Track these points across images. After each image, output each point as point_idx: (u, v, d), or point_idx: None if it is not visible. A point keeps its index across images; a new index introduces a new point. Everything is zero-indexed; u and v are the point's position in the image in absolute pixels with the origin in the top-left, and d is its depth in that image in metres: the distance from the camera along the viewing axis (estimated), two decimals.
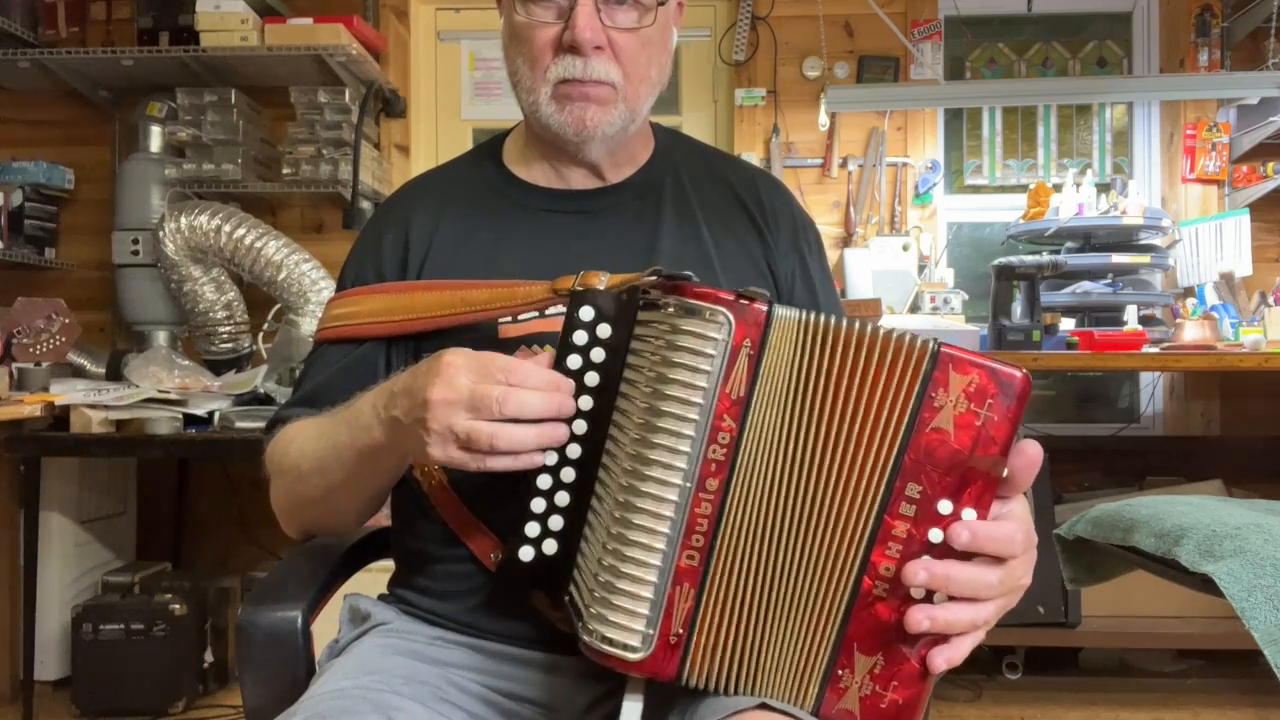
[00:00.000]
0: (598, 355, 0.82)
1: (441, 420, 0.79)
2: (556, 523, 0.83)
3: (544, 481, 0.83)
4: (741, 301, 0.75)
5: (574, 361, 0.82)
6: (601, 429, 0.81)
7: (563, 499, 0.83)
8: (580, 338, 0.82)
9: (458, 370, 0.80)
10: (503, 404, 0.78)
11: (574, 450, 0.82)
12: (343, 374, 1.04)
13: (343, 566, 1.08)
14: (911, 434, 0.73)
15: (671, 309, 0.77)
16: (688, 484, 0.75)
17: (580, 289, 0.85)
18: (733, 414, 0.75)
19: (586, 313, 0.83)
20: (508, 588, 0.92)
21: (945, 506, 0.73)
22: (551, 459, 0.82)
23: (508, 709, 0.95)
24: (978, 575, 0.73)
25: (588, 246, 1.04)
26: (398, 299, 1.02)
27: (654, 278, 0.81)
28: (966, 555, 0.73)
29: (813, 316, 0.75)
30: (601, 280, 0.86)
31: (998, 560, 0.74)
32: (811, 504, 0.75)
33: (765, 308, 0.75)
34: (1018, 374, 0.72)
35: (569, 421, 0.82)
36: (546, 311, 0.96)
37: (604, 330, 0.82)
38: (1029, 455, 0.74)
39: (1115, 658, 2.95)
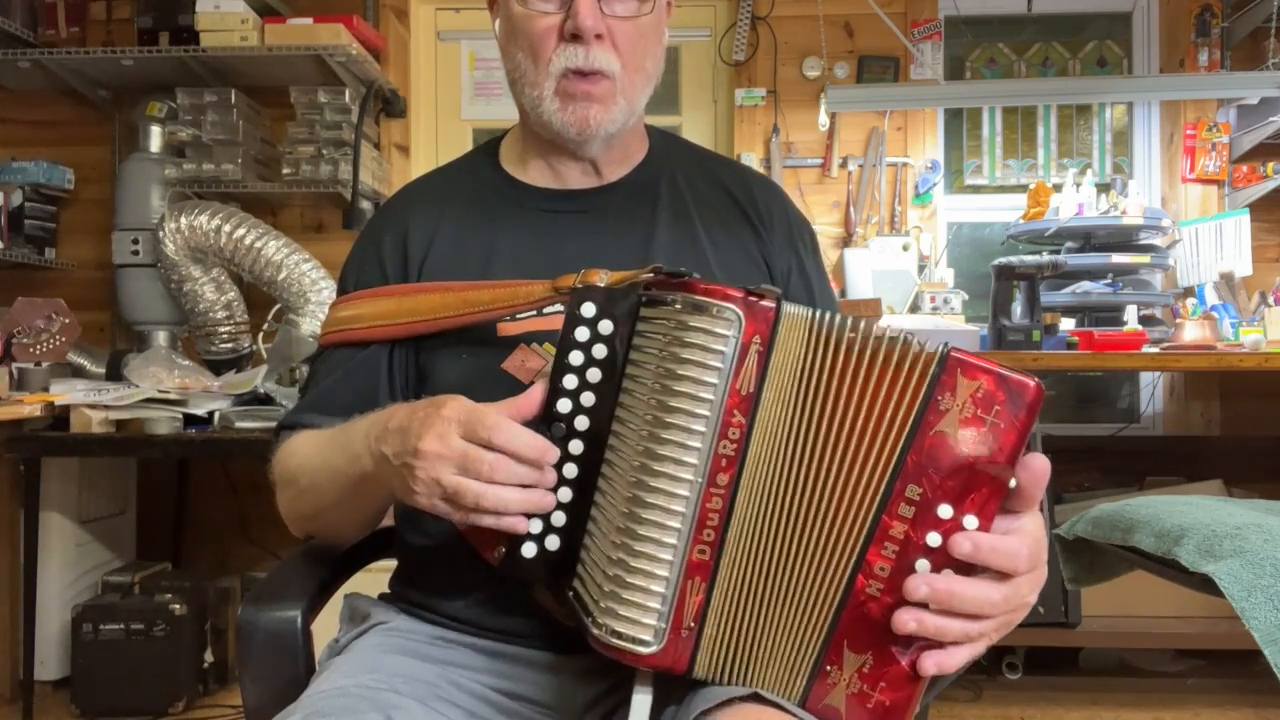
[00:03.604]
0: (599, 351, 0.82)
1: (430, 472, 0.80)
2: (559, 519, 0.83)
3: None
4: (751, 298, 0.76)
5: (576, 358, 0.82)
6: (603, 426, 0.81)
7: (565, 495, 0.83)
8: (582, 334, 0.83)
9: (452, 424, 0.80)
10: (493, 471, 0.78)
11: (576, 447, 0.82)
12: (348, 377, 1.05)
13: (343, 566, 1.09)
14: (915, 436, 0.72)
15: (678, 305, 0.77)
16: (699, 479, 0.76)
17: (581, 286, 0.85)
18: (743, 410, 0.75)
19: (588, 309, 0.83)
20: (510, 584, 0.92)
21: (945, 511, 0.72)
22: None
23: (507, 708, 0.95)
24: (981, 594, 0.71)
25: (584, 245, 1.05)
26: (401, 302, 1.03)
27: (655, 275, 0.81)
28: (969, 568, 0.72)
29: (821, 315, 0.76)
30: (602, 278, 0.87)
31: (1003, 576, 0.72)
32: (813, 500, 0.75)
33: (774, 305, 0.76)
34: (1030, 383, 0.71)
35: (557, 465, 0.82)
36: (544, 310, 0.96)
37: (605, 326, 0.82)
38: (1034, 469, 0.72)
39: (1115, 658, 2.94)
